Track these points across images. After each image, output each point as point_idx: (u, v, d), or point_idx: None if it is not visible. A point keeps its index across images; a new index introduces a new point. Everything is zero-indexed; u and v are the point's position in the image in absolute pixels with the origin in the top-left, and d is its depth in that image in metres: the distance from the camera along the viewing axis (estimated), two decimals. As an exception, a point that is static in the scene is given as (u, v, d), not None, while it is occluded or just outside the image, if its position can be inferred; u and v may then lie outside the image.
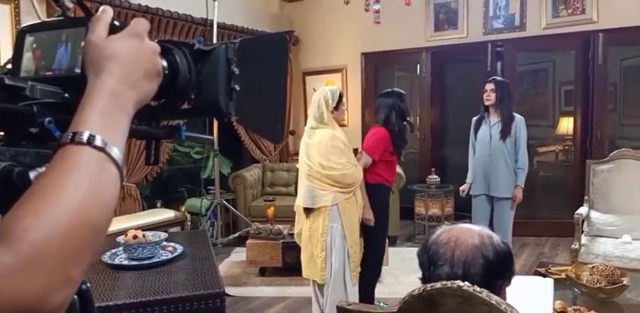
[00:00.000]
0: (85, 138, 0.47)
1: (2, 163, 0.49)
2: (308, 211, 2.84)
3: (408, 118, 3.16)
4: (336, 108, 2.85)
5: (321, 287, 2.90)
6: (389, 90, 3.22)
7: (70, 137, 0.47)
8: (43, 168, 0.48)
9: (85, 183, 0.45)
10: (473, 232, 1.03)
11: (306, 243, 2.87)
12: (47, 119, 0.52)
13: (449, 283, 0.80)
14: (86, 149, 0.47)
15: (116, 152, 0.49)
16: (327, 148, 2.76)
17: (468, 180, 3.69)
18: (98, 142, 0.47)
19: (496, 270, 0.98)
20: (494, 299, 0.77)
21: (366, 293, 3.09)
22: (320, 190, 2.78)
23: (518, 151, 3.49)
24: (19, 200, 0.43)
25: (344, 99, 2.92)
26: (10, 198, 0.44)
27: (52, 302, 0.41)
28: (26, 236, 0.40)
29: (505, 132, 3.46)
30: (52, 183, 0.44)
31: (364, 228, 3.01)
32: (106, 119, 0.50)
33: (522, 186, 3.50)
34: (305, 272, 2.94)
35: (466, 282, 0.80)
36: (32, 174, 0.49)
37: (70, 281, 0.43)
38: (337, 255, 2.79)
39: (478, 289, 0.78)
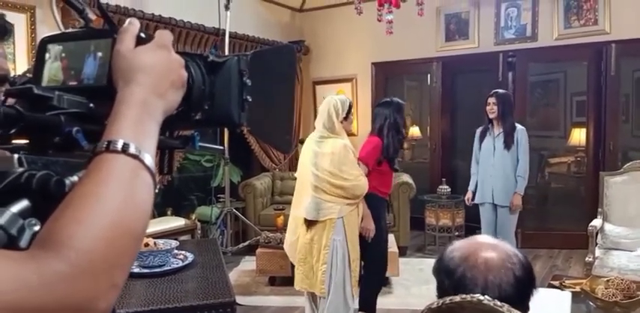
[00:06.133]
0: (119, 146, 0.48)
1: (38, 172, 0.49)
2: (310, 223, 2.77)
3: (402, 130, 3.08)
4: (346, 118, 2.83)
5: (316, 299, 2.84)
6: (387, 99, 3.16)
7: (104, 145, 0.48)
8: (75, 178, 0.49)
9: (121, 190, 0.46)
10: (499, 250, 1.01)
11: (305, 255, 2.80)
12: (75, 128, 0.53)
13: (468, 297, 0.79)
14: (121, 157, 0.48)
15: (149, 159, 0.50)
16: (340, 158, 2.73)
17: (470, 187, 3.84)
18: (132, 150, 0.48)
19: (525, 287, 0.98)
20: (515, 313, 0.76)
21: (368, 305, 3.04)
22: (327, 202, 2.72)
23: (519, 159, 3.61)
24: (58, 208, 0.44)
25: (352, 110, 2.91)
26: (47, 206, 0.45)
27: (100, 307, 0.42)
28: (72, 244, 0.41)
29: (508, 143, 3.60)
30: (90, 192, 0.45)
31: (360, 240, 2.91)
32: (137, 127, 0.51)
33: (521, 194, 3.62)
34: (300, 284, 2.85)
35: (486, 296, 0.79)
36: (65, 183, 0.49)
37: (115, 287, 0.44)
38: (339, 269, 2.74)
39: (499, 303, 0.77)
